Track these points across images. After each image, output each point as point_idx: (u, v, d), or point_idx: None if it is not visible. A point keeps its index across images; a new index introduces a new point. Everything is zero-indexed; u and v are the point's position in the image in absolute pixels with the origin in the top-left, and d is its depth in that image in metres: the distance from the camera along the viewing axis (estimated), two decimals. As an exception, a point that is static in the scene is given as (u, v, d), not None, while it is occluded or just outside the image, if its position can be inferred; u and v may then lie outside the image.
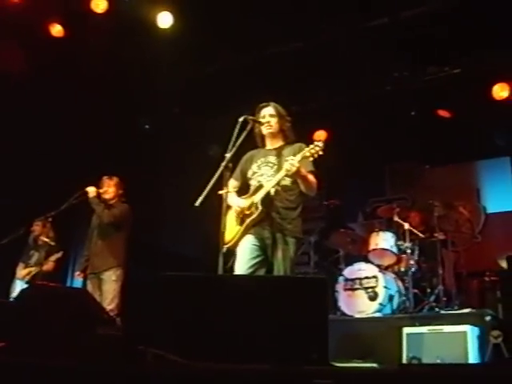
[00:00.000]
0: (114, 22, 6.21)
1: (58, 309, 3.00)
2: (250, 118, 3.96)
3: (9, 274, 6.47)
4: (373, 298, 5.67)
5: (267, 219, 3.85)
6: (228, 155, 3.72)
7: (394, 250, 6.14)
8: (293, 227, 3.88)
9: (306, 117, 6.46)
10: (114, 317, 4.92)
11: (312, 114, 7.16)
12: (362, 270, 5.91)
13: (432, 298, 5.73)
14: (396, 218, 6.28)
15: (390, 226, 6.62)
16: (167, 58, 6.65)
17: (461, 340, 4.52)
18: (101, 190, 5.62)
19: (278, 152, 4.04)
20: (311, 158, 3.73)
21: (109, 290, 5.31)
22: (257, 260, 3.84)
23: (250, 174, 4.12)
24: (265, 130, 4.09)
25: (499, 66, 6.44)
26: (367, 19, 6.34)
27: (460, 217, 6.26)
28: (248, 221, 3.88)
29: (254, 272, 3.80)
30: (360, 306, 5.73)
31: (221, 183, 3.69)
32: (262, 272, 3.83)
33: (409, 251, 6.01)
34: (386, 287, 5.69)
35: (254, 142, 4.15)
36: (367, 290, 5.74)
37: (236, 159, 3.97)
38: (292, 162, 3.66)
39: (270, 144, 4.15)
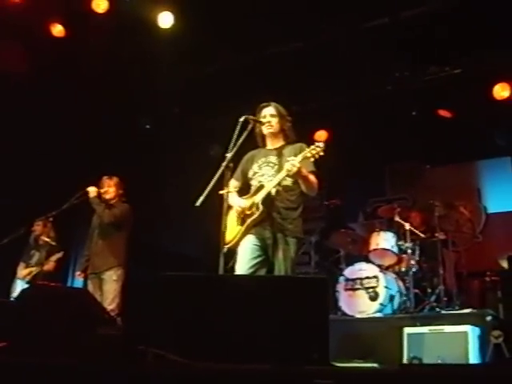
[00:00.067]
0: (114, 22, 6.21)
1: (59, 309, 3.00)
2: (251, 117, 3.96)
3: (9, 273, 6.47)
4: (373, 298, 5.68)
5: (268, 219, 3.85)
6: (229, 155, 3.72)
7: (395, 250, 6.15)
8: (294, 227, 3.88)
9: (306, 117, 6.45)
10: (115, 317, 4.91)
11: (312, 114, 7.15)
12: (362, 269, 5.91)
13: (433, 298, 5.73)
14: (397, 218, 6.28)
15: (390, 226, 6.61)
16: (167, 57, 6.64)
17: (462, 340, 4.52)
18: (101, 190, 5.62)
19: (279, 152, 4.04)
20: (312, 159, 3.73)
21: (109, 290, 5.31)
22: (258, 260, 3.84)
23: (250, 174, 4.12)
24: (266, 129, 4.09)
25: (500, 65, 6.44)
26: (367, 19, 6.33)
27: (461, 217, 6.25)
28: (249, 221, 3.88)
29: (254, 272, 3.81)
30: (361, 305, 5.74)
31: (221, 183, 3.68)
32: (262, 272, 3.83)
33: (409, 251, 6.01)
34: (386, 287, 5.69)
35: (254, 141, 4.16)
36: (368, 290, 5.74)
37: (237, 159, 3.97)
38: (293, 163, 3.66)
39: (271, 144, 4.15)
